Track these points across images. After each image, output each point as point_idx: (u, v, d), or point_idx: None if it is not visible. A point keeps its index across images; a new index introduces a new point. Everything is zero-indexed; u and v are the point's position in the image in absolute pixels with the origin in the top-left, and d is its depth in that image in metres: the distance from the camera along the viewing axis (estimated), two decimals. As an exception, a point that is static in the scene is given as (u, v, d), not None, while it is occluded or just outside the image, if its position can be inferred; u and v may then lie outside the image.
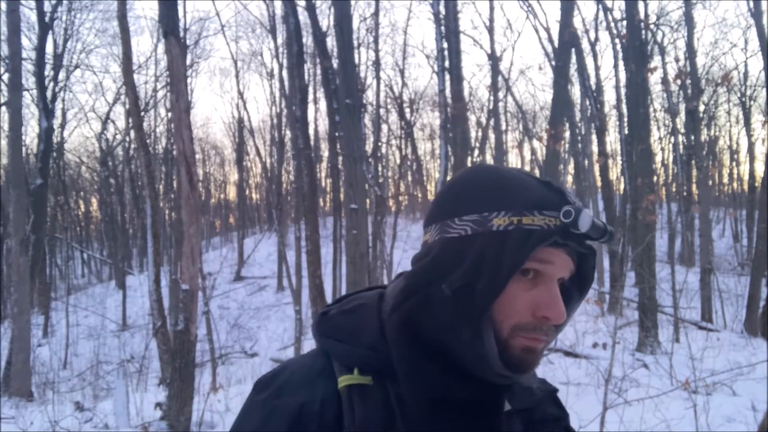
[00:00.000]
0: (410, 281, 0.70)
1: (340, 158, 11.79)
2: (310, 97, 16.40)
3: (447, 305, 0.66)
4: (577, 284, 0.73)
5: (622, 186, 14.35)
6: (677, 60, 16.58)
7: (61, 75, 16.67)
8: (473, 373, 0.67)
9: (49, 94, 14.34)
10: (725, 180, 30.16)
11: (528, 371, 0.68)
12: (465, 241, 0.67)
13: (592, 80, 13.74)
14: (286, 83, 12.79)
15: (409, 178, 25.74)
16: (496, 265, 0.64)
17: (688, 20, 12.51)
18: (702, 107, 18.11)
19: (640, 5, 10.26)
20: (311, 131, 15.06)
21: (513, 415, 0.71)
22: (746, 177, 22.48)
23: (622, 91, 12.42)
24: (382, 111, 17.67)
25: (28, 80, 13.51)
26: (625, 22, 10.50)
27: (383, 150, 19.80)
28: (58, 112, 17.19)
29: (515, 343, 0.66)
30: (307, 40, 13.15)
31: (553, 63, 7.98)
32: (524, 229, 0.65)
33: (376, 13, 14.79)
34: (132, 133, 18.14)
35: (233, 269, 20.97)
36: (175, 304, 10.38)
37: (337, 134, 10.65)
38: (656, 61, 14.06)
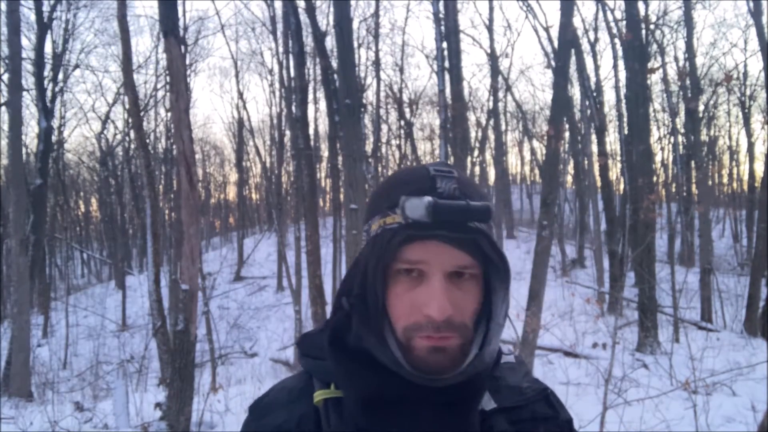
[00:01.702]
0: (335, 299, 0.73)
1: (340, 158, 11.78)
2: (310, 97, 16.42)
3: (352, 317, 0.69)
4: (492, 271, 0.69)
5: (622, 186, 14.36)
6: (677, 60, 16.58)
7: (61, 75, 16.66)
8: (400, 374, 0.66)
9: (48, 94, 14.32)
10: (725, 180, 30.17)
11: (439, 372, 0.65)
12: (360, 251, 0.70)
13: (592, 80, 13.74)
14: (286, 83, 12.78)
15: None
16: (373, 271, 0.66)
17: (688, 20, 12.51)
18: (702, 107, 18.11)
19: (640, 5, 10.26)
20: (311, 131, 15.05)
21: (497, 413, 0.71)
22: (746, 177, 22.52)
23: (622, 91, 12.43)
24: (382, 111, 17.69)
25: (28, 80, 13.50)
26: (625, 22, 10.50)
27: (383, 150, 19.82)
28: (58, 112, 17.17)
29: (417, 344, 0.65)
30: (307, 39, 13.14)
31: (553, 63, 7.98)
32: (387, 230, 0.66)
33: (375, 14, 14.80)
34: (132, 133, 18.14)
35: (233, 269, 20.96)
36: (174, 304, 10.37)
37: (337, 134, 10.65)
38: (656, 61, 14.05)
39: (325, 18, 14.09)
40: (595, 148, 15.16)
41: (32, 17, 14.04)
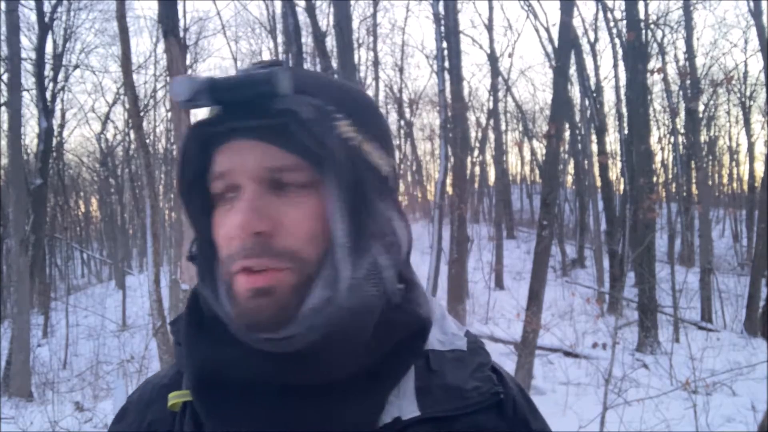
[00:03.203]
0: None
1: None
2: (310, 97, 16.41)
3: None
4: (326, 171, 0.50)
5: (622, 186, 14.37)
6: (677, 60, 16.59)
7: (61, 75, 16.68)
8: (249, 343, 0.50)
9: (48, 94, 14.33)
10: (725, 180, 30.18)
11: (266, 325, 0.48)
12: None
13: (592, 80, 13.75)
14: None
15: (409, 178, 25.79)
16: (182, 196, 0.54)
17: (688, 20, 12.52)
18: (702, 107, 18.12)
19: (640, 5, 10.26)
20: (311, 131, 15.04)
21: (420, 424, 0.51)
22: (746, 177, 22.51)
23: (622, 91, 12.44)
24: (382, 111, 17.72)
25: (28, 80, 13.52)
26: (625, 22, 10.51)
27: (383, 150, 19.82)
28: (58, 112, 17.19)
29: (237, 288, 0.49)
30: (307, 39, 13.15)
31: (553, 63, 7.99)
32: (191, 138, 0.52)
33: (374, 14, 14.81)
34: (132, 133, 18.14)
35: (233, 269, 20.95)
36: (175, 304, 10.38)
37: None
38: (656, 61, 14.07)
39: (326, 18, 14.12)
40: (595, 148, 15.18)
41: (33, 17, 14.07)
